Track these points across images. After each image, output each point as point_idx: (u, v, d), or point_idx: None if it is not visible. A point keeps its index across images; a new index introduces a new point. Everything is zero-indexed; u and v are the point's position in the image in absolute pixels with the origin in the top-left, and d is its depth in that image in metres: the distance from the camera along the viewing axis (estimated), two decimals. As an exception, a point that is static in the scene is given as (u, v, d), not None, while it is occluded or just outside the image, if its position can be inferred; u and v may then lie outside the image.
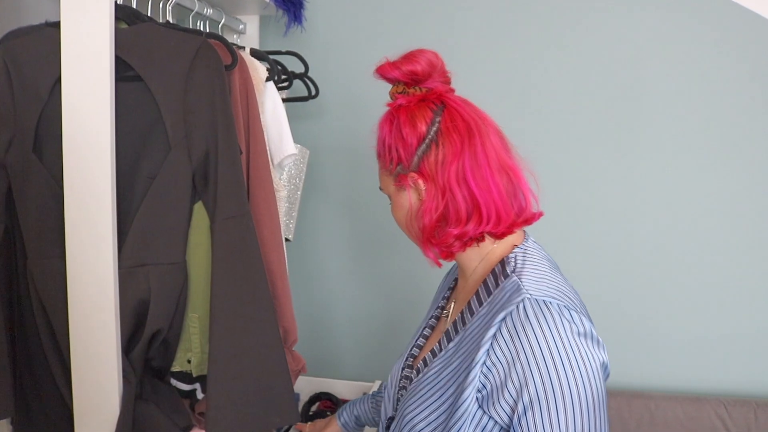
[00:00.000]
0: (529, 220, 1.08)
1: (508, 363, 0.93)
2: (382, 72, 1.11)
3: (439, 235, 1.07)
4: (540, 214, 1.09)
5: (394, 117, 1.10)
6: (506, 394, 0.93)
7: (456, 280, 1.27)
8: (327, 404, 2.03)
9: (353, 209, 2.23)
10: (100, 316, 1.34)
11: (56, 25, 1.29)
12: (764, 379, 2.00)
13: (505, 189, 1.04)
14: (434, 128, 1.05)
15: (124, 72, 1.32)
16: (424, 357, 1.12)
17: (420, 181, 1.07)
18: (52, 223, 1.35)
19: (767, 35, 1.89)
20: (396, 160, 1.08)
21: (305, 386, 2.19)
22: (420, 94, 1.09)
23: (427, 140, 1.05)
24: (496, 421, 0.96)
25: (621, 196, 2.03)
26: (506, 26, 2.04)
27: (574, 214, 2.03)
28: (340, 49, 2.17)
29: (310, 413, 1.98)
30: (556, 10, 2.01)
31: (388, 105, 1.13)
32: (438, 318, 1.25)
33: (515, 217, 1.06)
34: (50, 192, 1.35)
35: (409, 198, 1.09)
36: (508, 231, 1.07)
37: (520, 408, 0.91)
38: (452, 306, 1.19)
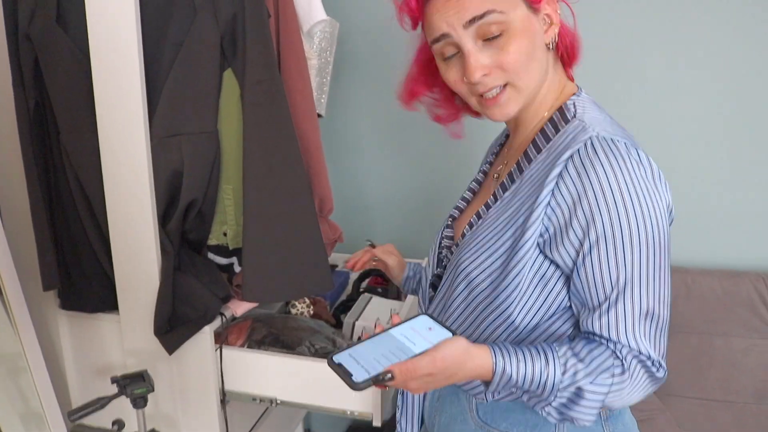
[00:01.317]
0: None
1: (574, 201, 0.90)
2: None
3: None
4: None
5: None
6: (571, 233, 0.90)
7: (501, 145, 1.22)
8: (378, 280, 2.04)
9: (386, 84, 2.17)
10: (135, 189, 1.35)
11: None
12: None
13: None
14: None
15: (146, -66, 1.26)
16: (478, 210, 1.07)
17: (552, 3, 0.99)
18: (81, 96, 1.34)
19: None
20: None
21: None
22: None
23: None
24: (558, 266, 0.94)
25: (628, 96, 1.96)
26: None
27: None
28: None
29: (361, 289, 2.00)
30: None
31: None
32: (480, 182, 1.22)
33: None
34: (77, 63, 1.33)
35: (539, 24, 0.98)
36: None
37: (585, 246, 0.89)
38: (502, 167, 1.14)
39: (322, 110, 1.87)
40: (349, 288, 2.05)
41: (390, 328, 0.92)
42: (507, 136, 1.20)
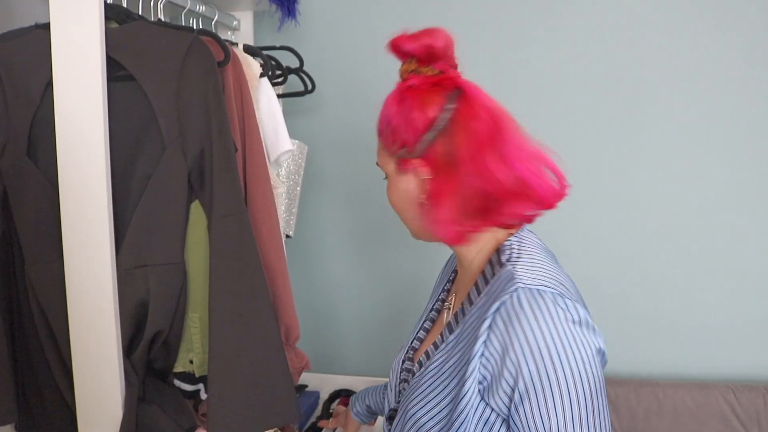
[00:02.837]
0: (561, 196, 1.06)
1: (503, 351, 0.91)
2: (398, 43, 1.05)
3: (472, 216, 1.02)
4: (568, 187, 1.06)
5: (403, 97, 1.04)
6: (503, 383, 0.92)
7: (455, 271, 1.25)
8: (347, 401, 2.01)
9: (354, 203, 2.22)
10: (100, 319, 1.33)
11: (47, 27, 1.28)
12: (772, 364, 1.98)
13: (539, 169, 1.03)
14: (446, 116, 1.00)
15: (116, 72, 1.31)
16: (426, 350, 1.10)
17: (424, 170, 1.03)
18: (49, 226, 1.34)
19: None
20: (400, 143, 1.04)
21: (325, 384, 2.19)
22: (434, 77, 1.04)
23: (435, 128, 1.01)
24: (498, 414, 0.94)
25: (625, 184, 2.01)
26: (502, 16, 2.02)
27: (578, 202, 2.01)
28: (336, 42, 2.15)
29: (331, 411, 1.97)
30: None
31: (399, 84, 1.08)
32: (439, 311, 1.24)
33: (552, 196, 1.04)
34: (46, 195, 1.34)
35: (408, 182, 1.07)
36: (547, 206, 1.05)
37: (516, 396, 0.90)
38: (453, 298, 1.17)
39: (290, 231, 1.90)
40: (319, 409, 2.02)
41: None
42: (456, 271, 1.24)
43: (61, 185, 1.31)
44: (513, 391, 0.91)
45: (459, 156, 1.00)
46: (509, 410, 0.92)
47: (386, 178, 1.12)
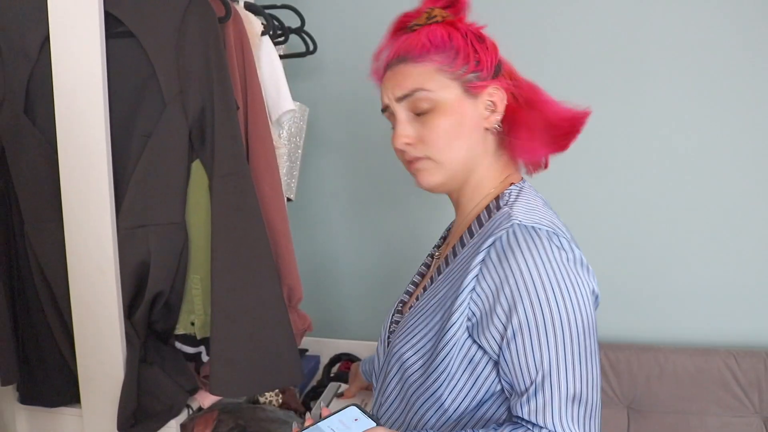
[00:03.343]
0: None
1: (497, 287, 0.91)
2: None
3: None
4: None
5: (458, 25, 1.05)
6: (495, 319, 0.91)
7: (449, 231, 1.25)
8: (348, 365, 2.02)
9: (355, 166, 2.20)
10: (100, 280, 1.32)
11: (44, -18, 1.25)
12: (774, 330, 1.99)
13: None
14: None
15: (115, 28, 1.28)
16: (418, 294, 1.10)
17: (500, 93, 1.04)
18: (47, 186, 1.33)
19: None
20: (473, 66, 1.03)
21: (324, 348, 2.19)
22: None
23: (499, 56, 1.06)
24: (485, 351, 0.94)
25: (630, 153, 1.99)
26: (503, 18, 2.00)
27: (582, 171, 2.00)
28: (338, 1, 2.12)
29: (331, 375, 1.98)
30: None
31: (455, 20, 1.07)
32: (428, 266, 1.23)
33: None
34: (44, 155, 1.32)
35: (476, 107, 1.04)
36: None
37: (509, 332, 0.90)
38: (445, 248, 1.17)
39: (291, 194, 1.88)
40: (320, 373, 2.02)
41: (319, 421, 0.92)
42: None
43: (59, 144, 1.29)
44: (506, 327, 0.90)
45: (524, 86, 1.08)
46: (500, 346, 0.92)
47: (423, 113, 1.03)
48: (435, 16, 1.05)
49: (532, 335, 0.89)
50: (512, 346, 0.90)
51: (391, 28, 1.11)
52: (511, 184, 1.07)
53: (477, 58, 1.03)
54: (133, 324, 1.36)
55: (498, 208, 1.03)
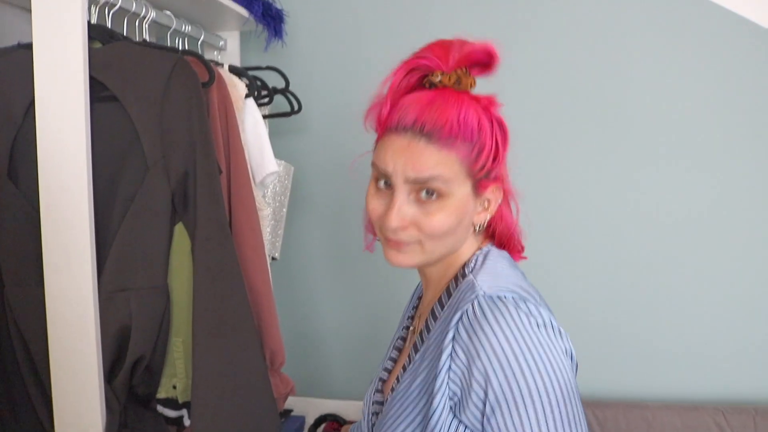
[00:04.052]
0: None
1: (469, 363, 0.88)
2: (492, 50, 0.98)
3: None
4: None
5: (489, 114, 0.97)
6: (473, 396, 0.88)
7: (419, 299, 1.23)
8: (333, 425, 1.99)
9: (340, 224, 2.20)
10: (80, 344, 1.30)
11: (29, 47, 1.27)
12: (763, 385, 1.97)
13: None
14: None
15: (100, 92, 1.29)
16: (397, 375, 1.06)
17: (499, 193, 1.02)
18: (28, 249, 1.32)
19: (751, 37, 1.88)
20: (489, 163, 0.96)
21: (309, 408, 2.16)
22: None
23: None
24: (471, 430, 0.91)
25: (614, 204, 2.00)
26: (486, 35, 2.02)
27: (566, 223, 2.01)
28: (322, 62, 2.15)
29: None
30: (539, 17, 1.99)
31: (484, 100, 0.98)
32: (404, 339, 1.21)
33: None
34: (26, 217, 1.32)
35: (475, 203, 1.00)
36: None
37: (487, 409, 0.86)
38: (418, 321, 1.14)
39: (276, 252, 1.88)
40: (305, 434, 1.99)
41: None
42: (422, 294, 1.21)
43: (42, 207, 1.29)
44: (484, 403, 0.87)
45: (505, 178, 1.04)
46: (482, 424, 0.88)
47: (431, 194, 0.95)
48: (463, 84, 0.97)
49: (511, 410, 0.85)
50: (492, 421, 0.86)
51: (404, 64, 1.00)
52: (478, 248, 1.06)
53: (496, 154, 0.97)
54: (113, 389, 1.34)
55: (463, 276, 1.01)
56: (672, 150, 1.96)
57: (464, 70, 0.97)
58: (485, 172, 0.96)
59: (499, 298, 0.91)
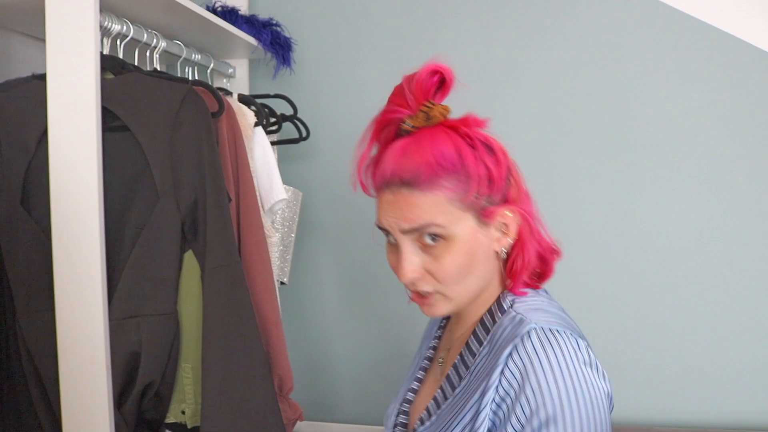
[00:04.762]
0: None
1: (516, 394, 0.88)
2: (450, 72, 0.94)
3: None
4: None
5: (469, 140, 0.93)
6: (513, 420, 0.87)
7: (442, 327, 1.22)
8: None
9: (348, 249, 2.22)
10: (90, 370, 1.32)
11: (43, 78, 1.30)
12: (771, 410, 1.96)
13: None
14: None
15: (111, 122, 1.32)
16: (427, 407, 1.05)
17: (513, 215, 0.97)
18: (40, 276, 1.34)
19: (755, 61, 1.90)
20: (484, 189, 0.93)
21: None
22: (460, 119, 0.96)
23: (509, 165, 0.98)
24: None
25: (618, 222, 2.00)
26: (488, 60, 2.05)
27: (568, 240, 2.01)
28: (330, 89, 2.17)
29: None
30: (540, 28, 2.02)
31: (440, 126, 0.94)
32: (430, 360, 1.21)
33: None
34: (38, 245, 1.34)
35: (489, 233, 0.97)
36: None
37: (527, 430, 0.86)
38: (447, 352, 1.13)
39: (285, 278, 1.89)
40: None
41: None
42: (447, 318, 1.20)
43: (54, 235, 1.31)
44: (525, 425, 0.86)
45: (523, 198, 1.01)
46: None
47: (434, 239, 0.94)
48: (433, 117, 0.94)
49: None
50: None
51: (375, 124, 1.00)
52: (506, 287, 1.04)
53: (489, 176, 0.93)
54: (122, 414, 1.35)
55: (501, 310, 1.00)
56: (684, 168, 1.96)
57: (429, 103, 0.94)
58: (484, 199, 0.94)
59: (551, 330, 0.91)
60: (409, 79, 0.96)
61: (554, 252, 1.06)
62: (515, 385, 0.88)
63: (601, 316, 2.02)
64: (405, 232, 0.94)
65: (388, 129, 0.98)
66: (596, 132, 2.00)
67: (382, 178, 0.95)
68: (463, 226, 0.94)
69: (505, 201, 0.97)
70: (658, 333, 2.01)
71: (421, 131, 0.94)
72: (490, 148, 0.95)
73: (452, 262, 0.94)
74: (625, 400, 2.02)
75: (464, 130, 0.94)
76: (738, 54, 1.91)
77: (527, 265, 1.01)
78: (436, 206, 0.91)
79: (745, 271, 1.95)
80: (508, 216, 0.97)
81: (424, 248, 0.95)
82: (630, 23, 1.96)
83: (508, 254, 1.01)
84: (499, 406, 0.90)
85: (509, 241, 0.99)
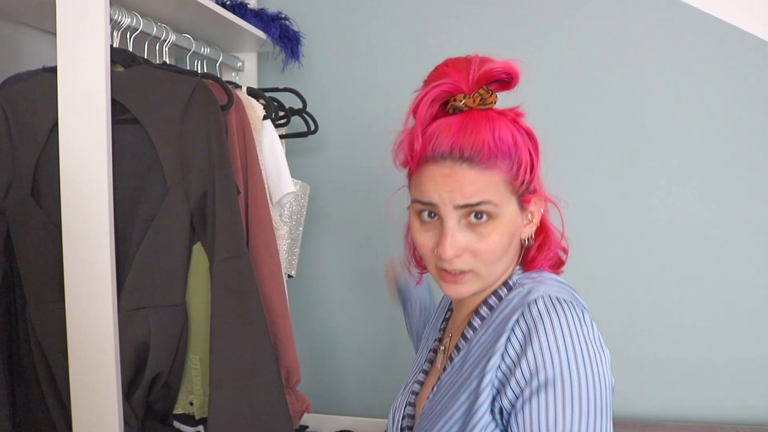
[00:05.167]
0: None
1: (518, 356, 0.88)
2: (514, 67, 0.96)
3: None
4: None
5: (518, 126, 0.97)
6: (513, 382, 0.88)
7: (449, 311, 1.23)
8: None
9: (356, 242, 2.22)
10: (100, 361, 1.33)
11: (53, 70, 1.30)
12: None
13: None
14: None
15: (121, 115, 1.33)
16: (433, 388, 1.06)
17: (538, 199, 1.01)
18: (50, 267, 1.35)
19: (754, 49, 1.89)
20: (528, 176, 0.96)
21: (325, 425, 2.18)
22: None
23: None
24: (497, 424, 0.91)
25: (628, 218, 2.01)
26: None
27: (578, 236, 2.01)
28: (338, 83, 2.18)
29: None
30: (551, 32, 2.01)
31: (491, 111, 0.96)
32: (436, 351, 1.20)
33: None
34: (48, 236, 1.35)
35: (521, 218, 0.99)
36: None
37: (526, 393, 0.86)
38: (449, 339, 1.14)
39: (293, 270, 1.90)
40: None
41: None
42: (451, 310, 1.21)
43: (64, 226, 1.32)
44: (524, 388, 0.86)
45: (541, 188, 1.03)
46: (514, 406, 0.87)
47: (481, 217, 0.94)
48: (489, 104, 0.96)
49: (557, 396, 0.85)
50: (526, 407, 0.86)
51: (431, 92, 0.96)
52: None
53: (532, 164, 0.96)
54: (131, 405, 1.36)
55: (508, 288, 1.02)
56: (692, 165, 1.96)
57: (486, 88, 0.96)
58: (525, 186, 0.96)
59: (558, 299, 0.92)
60: (482, 60, 0.97)
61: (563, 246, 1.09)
62: (518, 348, 0.89)
63: (606, 312, 2.02)
64: (458, 207, 0.94)
65: (434, 103, 0.97)
66: (608, 129, 2.00)
67: (437, 151, 0.94)
68: (509, 207, 0.96)
69: (535, 191, 1.00)
70: (662, 328, 2.01)
71: (474, 112, 0.95)
72: (532, 138, 0.99)
73: (497, 241, 0.95)
74: (629, 395, 2.02)
75: (514, 118, 0.97)
76: (757, 54, 1.90)
77: (552, 254, 1.04)
78: (493, 185, 0.93)
79: (750, 266, 1.95)
80: (536, 204, 1.01)
81: (469, 226, 0.95)
82: (645, 21, 1.96)
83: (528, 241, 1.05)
84: (502, 371, 0.90)
85: (532, 229, 1.02)
